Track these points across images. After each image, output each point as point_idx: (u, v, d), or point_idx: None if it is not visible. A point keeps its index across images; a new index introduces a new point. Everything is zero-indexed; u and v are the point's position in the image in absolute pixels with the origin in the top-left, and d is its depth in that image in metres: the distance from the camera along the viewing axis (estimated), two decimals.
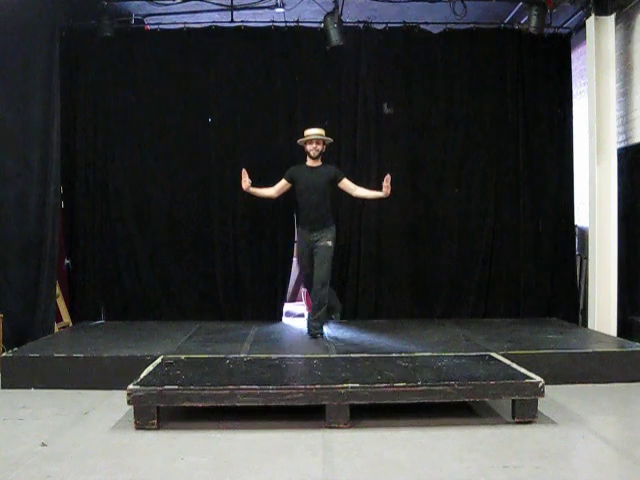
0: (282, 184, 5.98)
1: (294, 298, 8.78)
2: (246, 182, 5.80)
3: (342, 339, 5.99)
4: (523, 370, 4.36)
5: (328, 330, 6.47)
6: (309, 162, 5.96)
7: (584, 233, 7.08)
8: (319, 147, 5.88)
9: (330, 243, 5.87)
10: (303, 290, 8.09)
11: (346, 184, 5.97)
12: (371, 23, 7.04)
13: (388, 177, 5.73)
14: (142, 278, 7.08)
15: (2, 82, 6.14)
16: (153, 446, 3.73)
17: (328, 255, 5.84)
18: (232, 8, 6.94)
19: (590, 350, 5.29)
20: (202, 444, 3.75)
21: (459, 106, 7.19)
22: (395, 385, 4.06)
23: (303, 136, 5.96)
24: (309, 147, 5.89)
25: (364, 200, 6.99)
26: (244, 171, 5.80)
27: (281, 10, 7.06)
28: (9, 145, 6.21)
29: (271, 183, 6.07)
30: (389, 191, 5.76)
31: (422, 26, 7.06)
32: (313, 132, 5.91)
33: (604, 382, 5.02)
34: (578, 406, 4.47)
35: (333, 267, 7.11)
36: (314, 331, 5.97)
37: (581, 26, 6.94)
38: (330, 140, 6.02)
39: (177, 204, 7.05)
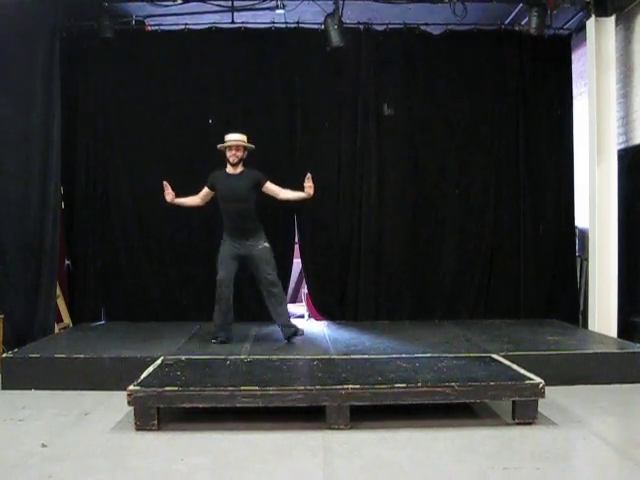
0: (205, 192, 5.79)
1: (295, 299, 8.79)
2: (170, 194, 5.71)
3: (342, 340, 5.99)
4: (523, 371, 4.36)
5: (328, 331, 6.48)
6: (229, 169, 5.73)
7: (584, 234, 7.08)
8: (239, 154, 5.64)
9: (267, 244, 5.74)
10: (304, 291, 8.09)
11: (270, 188, 5.73)
12: (371, 24, 7.04)
13: (309, 176, 5.59)
14: (142, 279, 7.08)
15: (3, 82, 6.14)
16: (153, 447, 3.73)
17: (270, 255, 5.73)
18: (233, 9, 6.94)
19: (590, 351, 5.29)
20: (202, 445, 3.75)
21: (459, 107, 7.19)
22: (395, 386, 4.06)
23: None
24: (228, 154, 5.66)
25: (361, 201, 7.04)
26: (165, 184, 5.68)
27: (281, 11, 7.06)
28: (10, 145, 6.21)
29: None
30: (312, 191, 5.62)
31: (422, 27, 7.06)
32: (233, 137, 5.68)
33: (604, 383, 5.01)
34: (578, 407, 4.46)
35: (332, 267, 7.19)
36: (292, 332, 5.85)
37: (581, 27, 6.94)
38: (251, 146, 5.76)
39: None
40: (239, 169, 5.74)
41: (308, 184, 5.60)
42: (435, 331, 6.37)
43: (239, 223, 5.69)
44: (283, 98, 7.11)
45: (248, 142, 5.78)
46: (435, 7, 6.72)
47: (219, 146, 5.76)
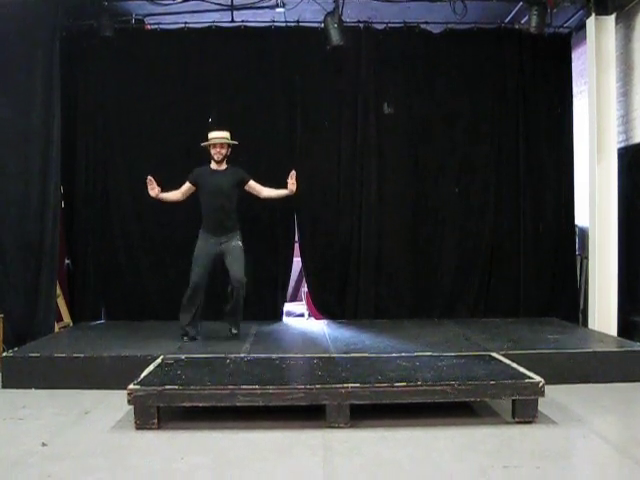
0: (186, 187, 5.82)
1: (294, 298, 8.79)
2: (154, 190, 5.73)
3: (342, 339, 5.99)
4: (523, 370, 4.36)
5: (328, 330, 6.48)
6: (213, 165, 5.77)
7: (584, 233, 7.08)
8: (223, 151, 5.69)
9: (240, 243, 5.75)
10: (304, 290, 8.09)
11: (253, 186, 5.80)
12: (371, 23, 7.04)
13: (293, 173, 5.67)
14: (142, 278, 7.08)
15: (3, 82, 6.14)
16: (153, 446, 3.73)
17: (241, 254, 5.72)
18: (232, 8, 6.93)
19: (590, 350, 5.29)
20: (202, 444, 3.75)
21: (459, 106, 7.19)
22: (395, 385, 4.06)
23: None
24: (213, 151, 5.70)
25: (361, 200, 7.05)
26: (150, 179, 5.70)
27: (281, 10, 7.05)
28: (9, 145, 6.21)
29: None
30: (294, 188, 5.71)
31: (422, 26, 7.06)
32: (216, 135, 5.71)
33: (604, 382, 5.02)
34: (578, 406, 4.46)
35: (332, 266, 7.19)
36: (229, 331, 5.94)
37: (581, 26, 6.94)
38: (234, 142, 5.79)
39: (177, 203, 7.02)
40: (223, 166, 5.80)
41: (291, 181, 5.68)
42: (435, 330, 6.37)
43: (220, 219, 5.73)
44: (283, 97, 7.11)
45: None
46: (435, 6, 6.72)
47: (203, 144, 5.79)
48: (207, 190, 5.75)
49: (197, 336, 5.88)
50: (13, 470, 3.34)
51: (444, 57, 7.17)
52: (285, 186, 5.74)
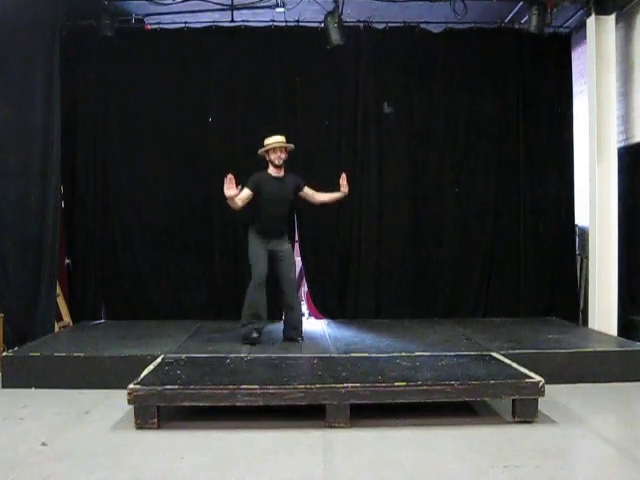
0: (246, 194, 5.47)
1: None
2: (232, 189, 5.31)
3: (342, 338, 5.99)
4: (523, 370, 4.36)
5: (329, 330, 6.48)
6: (273, 171, 5.64)
7: (584, 232, 7.08)
8: (283, 155, 5.59)
9: (290, 246, 5.98)
10: (304, 289, 8.09)
11: (307, 192, 5.88)
12: (371, 22, 7.04)
13: (344, 176, 5.78)
14: (142, 277, 7.08)
15: (3, 81, 6.14)
16: (153, 445, 3.74)
17: (294, 258, 6.01)
18: (232, 8, 6.93)
19: (590, 349, 5.29)
20: (202, 443, 3.76)
21: (459, 105, 7.19)
22: (395, 385, 4.06)
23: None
24: (273, 156, 5.56)
25: (361, 200, 7.04)
26: (230, 177, 5.26)
27: (281, 10, 7.06)
28: (9, 145, 6.20)
29: None
30: (347, 190, 5.83)
31: (422, 25, 7.06)
32: (275, 140, 5.60)
33: (604, 381, 5.02)
34: (578, 405, 4.47)
35: (332, 266, 7.19)
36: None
37: (581, 25, 6.94)
38: (291, 146, 5.70)
39: (177, 203, 7.04)
40: (282, 172, 5.70)
41: (343, 183, 5.77)
42: (435, 329, 6.36)
43: (275, 225, 5.72)
44: (283, 96, 7.10)
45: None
46: (435, 5, 6.71)
47: (260, 151, 5.65)
48: (269, 197, 5.57)
49: (260, 338, 5.72)
50: (13, 470, 3.34)
51: (444, 57, 7.16)
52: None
